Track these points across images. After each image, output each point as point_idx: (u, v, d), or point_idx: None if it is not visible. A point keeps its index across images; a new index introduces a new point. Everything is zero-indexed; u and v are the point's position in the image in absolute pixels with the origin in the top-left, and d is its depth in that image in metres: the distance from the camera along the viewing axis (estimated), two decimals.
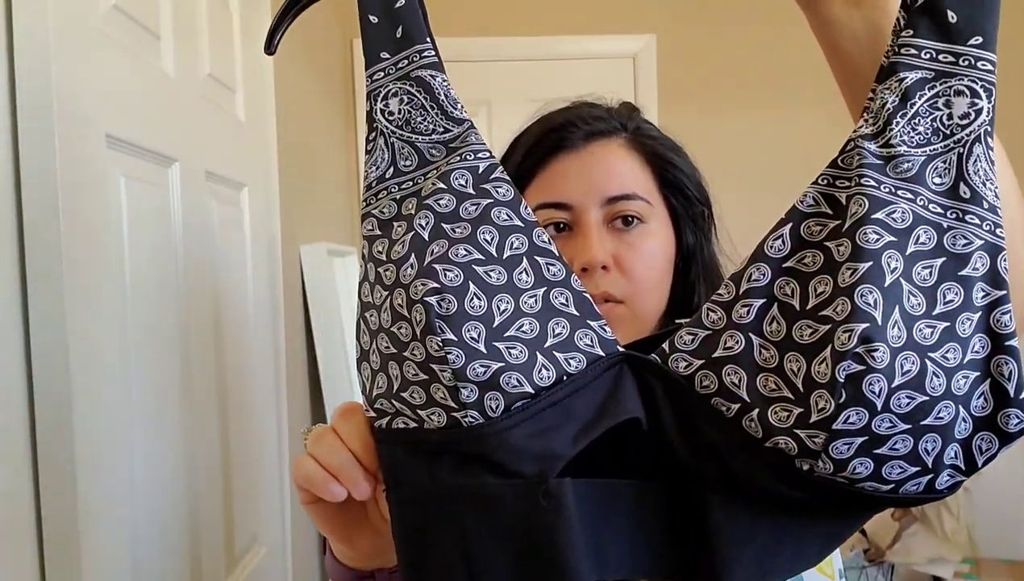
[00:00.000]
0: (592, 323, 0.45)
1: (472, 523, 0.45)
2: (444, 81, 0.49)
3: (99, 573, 0.72)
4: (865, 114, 0.43)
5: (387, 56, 0.49)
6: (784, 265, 0.42)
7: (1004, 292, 0.40)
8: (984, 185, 0.41)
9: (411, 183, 0.49)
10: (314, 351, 1.64)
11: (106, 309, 0.76)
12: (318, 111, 1.98)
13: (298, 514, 1.48)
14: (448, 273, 0.43)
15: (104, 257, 0.75)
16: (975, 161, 0.42)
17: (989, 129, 0.42)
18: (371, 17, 0.49)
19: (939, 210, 0.41)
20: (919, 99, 0.42)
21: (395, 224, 0.48)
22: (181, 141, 0.96)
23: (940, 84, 0.42)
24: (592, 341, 0.45)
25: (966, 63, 0.42)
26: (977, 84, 0.42)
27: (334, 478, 0.51)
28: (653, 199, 0.68)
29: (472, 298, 0.43)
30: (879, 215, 0.40)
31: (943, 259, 0.40)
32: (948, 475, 0.41)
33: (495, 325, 0.43)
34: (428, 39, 0.50)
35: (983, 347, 0.40)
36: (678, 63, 2.62)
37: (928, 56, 0.42)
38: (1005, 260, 0.40)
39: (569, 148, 0.68)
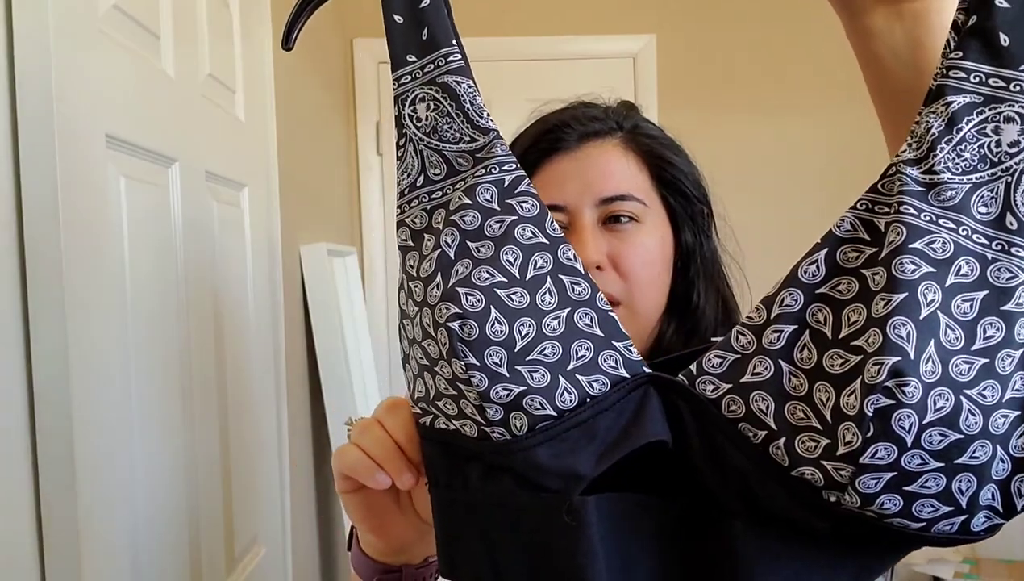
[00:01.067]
0: (617, 344, 0.45)
1: (498, 531, 0.46)
2: (470, 87, 0.48)
3: (99, 573, 0.72)
4: (909, 138, 0.41)
5: (413, 59, 0.48)
6: (817, 291, 0.41)
7: None
8: None
9: (441, 193, 0.49)
10: (314, 351, 1.64)
11: (106, 309, 0.76)
12: (318, 111, 1.98)
13: (298, 514, 1.48)
14: (470, 297, 0.43)
15: (104, 257, 0.75)
16: None
17: None
18: (395, 17, 0.48)
19: (983, 241, 0.39)
20: (966, 124, 0.40)
21: (425, 236, 0.48)
22: (181, 141, 0.96)
23: (989, 109, 0.39)
24: (616, 363, 0.44)
25: (1017, 88, 0.39)
26: None
27: (379, 467, 0.52)
28: (649, 199, 0.68)
29: (493, 323, 0.43)
30: (917, 245, 0.38)
31: (985, 292, 0.38)
32: (984, 516, 0.39)
33: (517, 349, 0.43)
34: (454, 41, 0.48)
35: (1016, 384, 0.37)
36: (678, 63, 2.62)
37: (977, 80, 0.40)
38: None
39: (564, 149, 0.68)
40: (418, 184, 0.49)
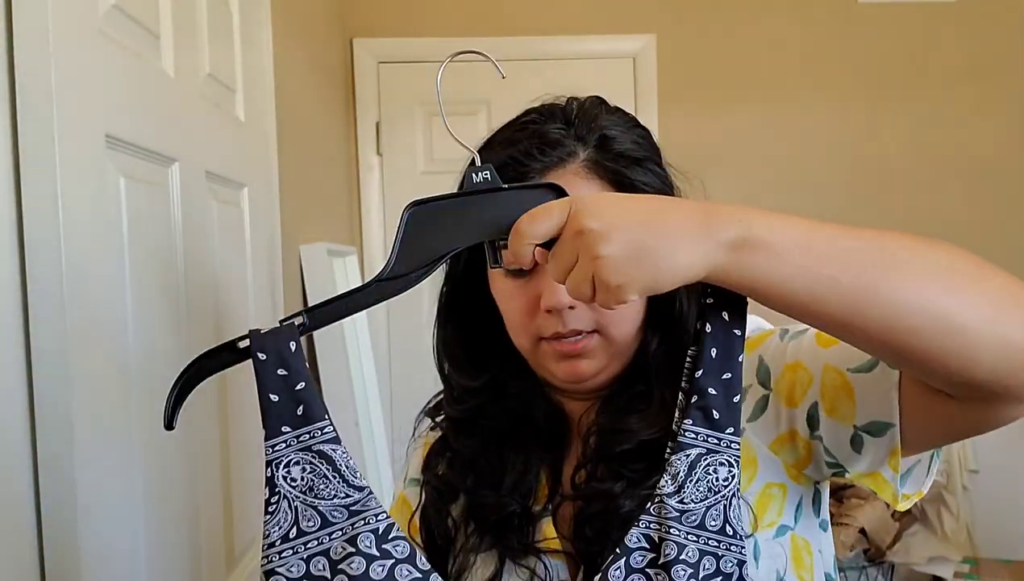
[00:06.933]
0: None
1: None
2: (344, 453, 0.57)
3: (99, 573, 0.72)
4: (665, 475, 0.58)
5: (288, 430, 0.56)
6: None
7: None
8: (739, 524, 0.59)
9: (316, 542, 0.56)
10: (314, 351, 1.64)
11: (106, 309, 0.76)
12: (318, 111, 1.99)
13: None
14: None
15: (104, 257, 0.75)
16: (735, 509, 0.58)
17: (738, 487, 0.59)
18: (271, 396, 0.56)
19: (715, 543, 0.58)
20: (699, 467, 0.58)
21: None
22: (181, 141, 0.96)
23: (711, 457, 0.58)
24: None
25: (725, 444, 0.59)
26: (732, 458, 0.58)
27: None
28: None
29: None
30: (682, 556, 0.57)
31: (720, 577, 0.58)
32: None
33: None
34: (326, 416, 0.57)
35: None
36: (678, 63, 2.62)
37: (702, 438, 0.59)
38: (746, 567, 0.58)
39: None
40: (291, 535, 0.56)
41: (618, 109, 0.74)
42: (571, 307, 0.65)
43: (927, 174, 2.65)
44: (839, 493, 2.34)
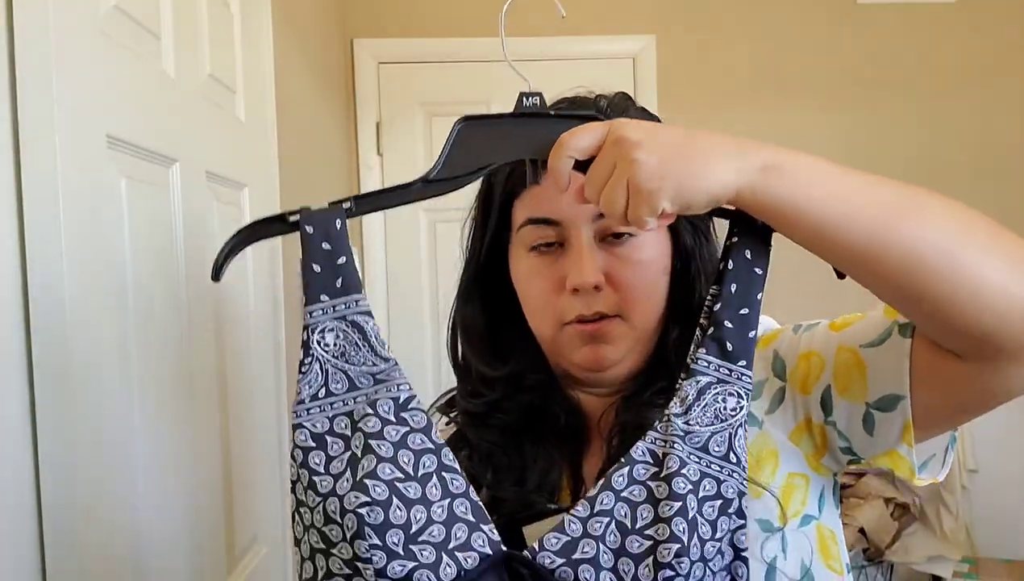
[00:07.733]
0: (484, 528, 0.58)
1: None
2: (375, 326, 0.61)
3: (100, 573, 0.72)
4: (675, 398, 0.60)
5: (326, 298, 0.60)
6: (622, 494, 0.58)
7: (743, 521, 0.59)
8: (744, 453, 0.60)
9: (342, 403, 0.60)
10: None
11: (107, 310, 0.76)
12: (318, 111, 1.99)
13: None
14: (376, 488, 0.56)
15: (105, 257, 0.75)
16: (740, 439, 0.59)
17: (745, 419, 0.60)
18: (315, 266, 0.60)
19: (717, 468, 0.59)
20: (708, 394, 0.60)
21: (329, 439, 0.59)
22: (181, 141, 0.96)
23: (720, 387, 0.60)
24: (484, 542, 0.58)
25: (736, 375, 0.60)
26: (742, 390, 0.60)
27: None
28: None
29: (395, 509, 0.55)
30: (683, 471, 0.57)
31: (720, 501, 0.58)
32: None
33: (412, 531, 0.56)
34: (363, 290, 0.61)
35: (728, 556, 0.59)
36: (678, 63, 2.62)
37: (714, 368, 0.60)
38: (746, 497, 0.59)
39: None
40: (319, 395, 0.60)
41: (643, 109, 0.76)
42: (597, 288, 0.66)
43: (927, 174, 2.65)
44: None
